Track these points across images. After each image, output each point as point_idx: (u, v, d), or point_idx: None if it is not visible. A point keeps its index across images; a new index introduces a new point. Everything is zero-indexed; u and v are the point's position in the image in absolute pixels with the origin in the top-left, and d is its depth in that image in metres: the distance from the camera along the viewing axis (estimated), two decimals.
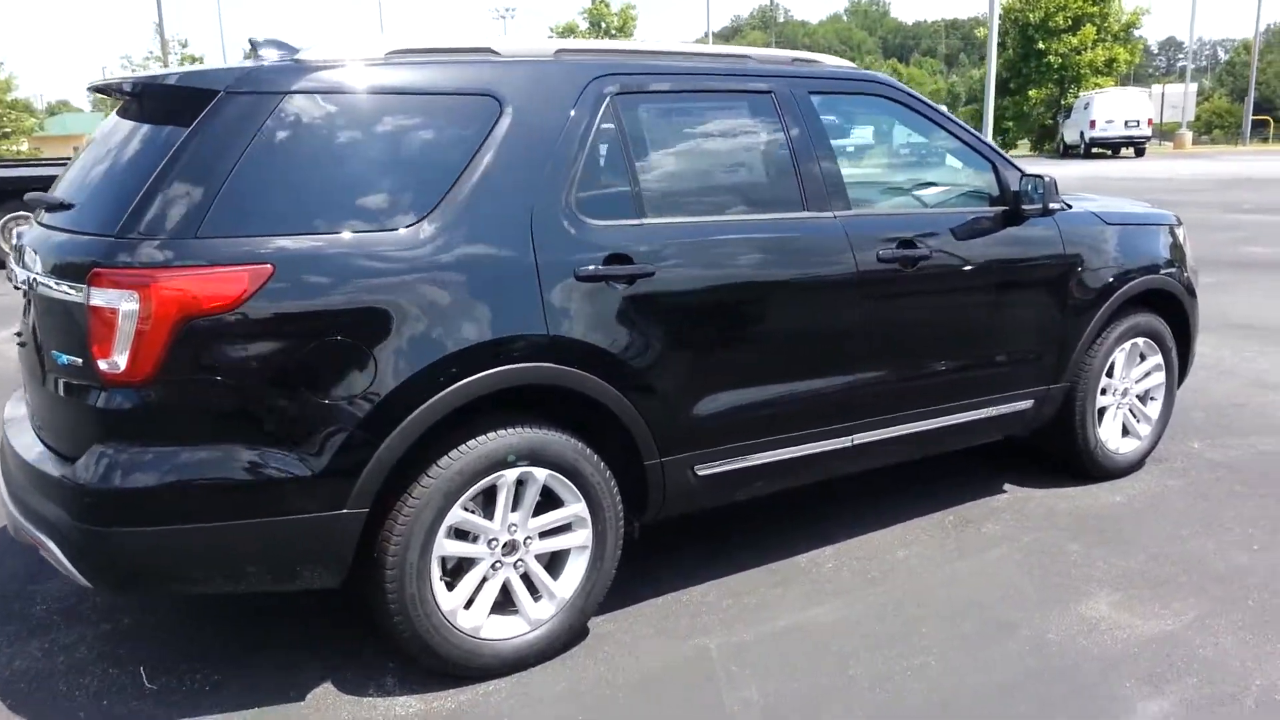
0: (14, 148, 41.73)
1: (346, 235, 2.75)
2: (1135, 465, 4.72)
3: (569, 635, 3.19)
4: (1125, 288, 4.37)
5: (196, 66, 5.02)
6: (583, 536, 3.17)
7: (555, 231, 3.02)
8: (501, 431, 2.96)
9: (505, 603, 3.12)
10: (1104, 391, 4.54)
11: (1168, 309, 4.67)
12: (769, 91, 3.58)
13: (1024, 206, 3.98)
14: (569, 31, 40.72)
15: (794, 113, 3.58)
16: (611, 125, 3.22)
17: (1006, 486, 4.60)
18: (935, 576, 3.74)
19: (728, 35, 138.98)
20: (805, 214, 3.54)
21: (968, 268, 3.94)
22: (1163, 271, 4.59)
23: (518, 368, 2.93)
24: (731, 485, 3.51)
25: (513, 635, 3.09)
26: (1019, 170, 4.08)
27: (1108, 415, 4.60)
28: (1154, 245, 4.63)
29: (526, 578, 3.13)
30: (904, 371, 3.81)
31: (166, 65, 37.81)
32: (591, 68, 3.24)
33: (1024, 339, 4.15)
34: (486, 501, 3.02)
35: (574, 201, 3.08)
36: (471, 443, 2.91)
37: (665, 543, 3.98)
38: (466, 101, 3.01)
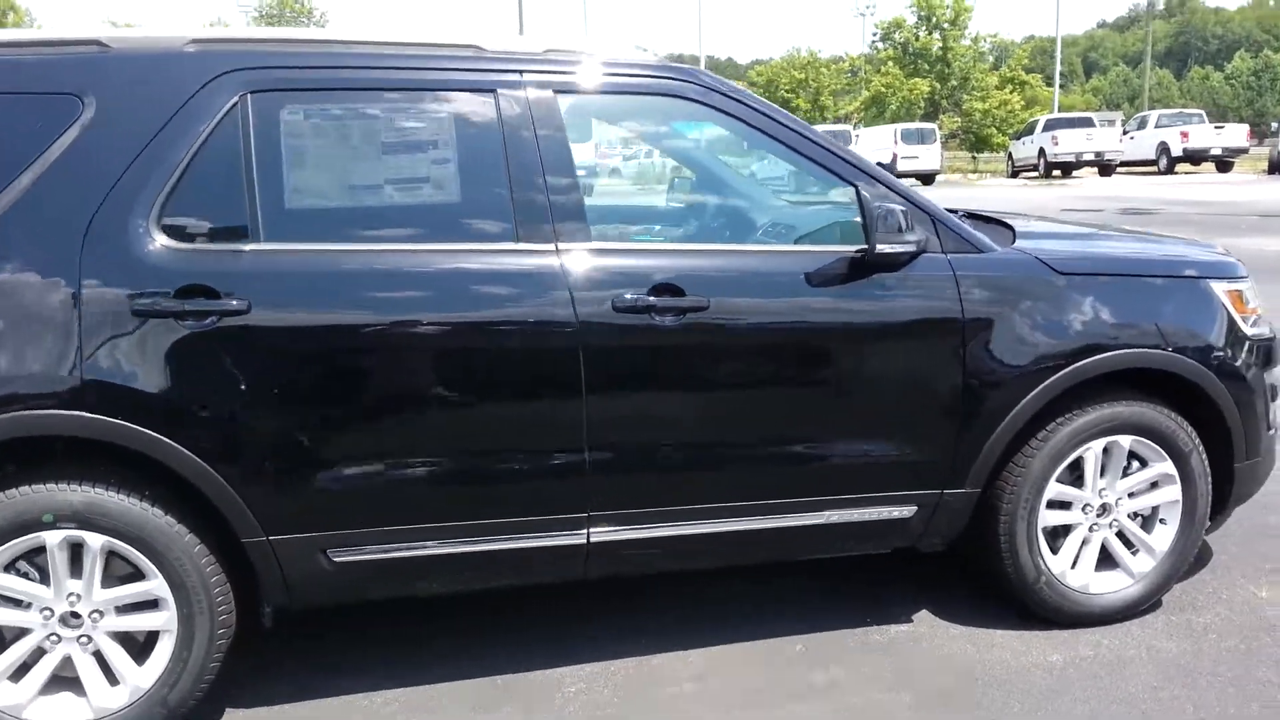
0: None
1: None
2: (1125, 609, 3.36)
3: None
4: (1080, 365, 3.09)
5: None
6: (165, 618, 2.68)
7: (115, 256, 2.55)
8: (39, 487, 2.55)
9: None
10: (1062, 505, 3.27)
11: (1189, 398, 3.29)
12: (490, 90, 2.84)
13: (877, 247, 2.90)
14: (896, 27, 37.86)
15: (523, 119, 2.82)
16: (236, 130, 2.67)
17: (919, 615, 3.45)
18: None
19: (1123, 26, 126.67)
20: (509, 245, 2.78)
21: (779, 324, 2.95)
22: (1172, 343, 3.21)
23: (23, 416, 2.49)
24: (394, 577, 2.85)
25: None
26: (897, 196, 2.99)
27: (1073, 537, 3.32)
28: (1158, 306, 3.24)
29: (102, 657, 2.69)
30: (664, 456, 2.92)
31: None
32: (221, 60, 2.71)
33: (879, 426, 3.05)
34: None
35: (156, 221, 2.59)
36: None
37: (415, 625, 3.36)
38: (35, 101, 2.62)
